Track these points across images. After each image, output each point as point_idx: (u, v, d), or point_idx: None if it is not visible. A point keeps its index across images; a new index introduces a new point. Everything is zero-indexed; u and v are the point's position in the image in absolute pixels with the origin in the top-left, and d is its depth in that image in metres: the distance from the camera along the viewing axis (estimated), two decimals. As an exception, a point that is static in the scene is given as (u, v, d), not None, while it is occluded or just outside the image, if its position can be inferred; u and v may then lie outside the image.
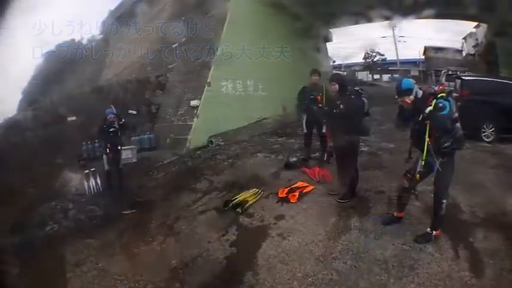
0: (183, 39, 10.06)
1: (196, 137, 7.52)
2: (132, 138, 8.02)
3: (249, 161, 6.01)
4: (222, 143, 7.43)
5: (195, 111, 7.85)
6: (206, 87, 7.98)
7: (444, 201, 2.87)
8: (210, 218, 3.93)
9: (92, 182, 5.57)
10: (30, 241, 4.04)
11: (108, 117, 5.11)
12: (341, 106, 3.69)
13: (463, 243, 2.91)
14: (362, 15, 12.15)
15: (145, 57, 12.39)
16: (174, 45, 10.43)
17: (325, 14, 12.82)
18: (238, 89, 8.91)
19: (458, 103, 6.13)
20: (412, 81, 2.85)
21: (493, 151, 5.88)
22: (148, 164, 6.75)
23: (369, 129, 3.89)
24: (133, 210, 4.51)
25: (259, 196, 4.23)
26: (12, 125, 9.29)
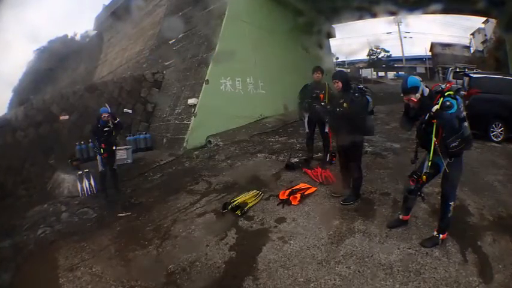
0: (180, 35, 10.08)
1: (194, 136, 7.53)
2: (127, 138, 8.04)
3: (248, 162, 6.02)
4: (221, 143, 7.43)
5: (193, 109, 7.85)
6: (204, 85, 7.98)
7: (451, 203, 2.87)
8: (209, 221, 3.93)
9: (86, 183, 5.58)
10: (21, 244, 4.04)
11: (103, 116, 5.10)
12: (344, 105, 3.70)
13: (471, 247, 2.92)
14: (366, 10, 12.16)
15: (141, 54, 12.42)
16: (170, 42, 10.44)
17: (328, 9, 12.84)
18: (238, 87, 8.91)
19: (466, 101, 6.23)
20: (418, 78, 2.85)
21: (502, 151, 5.89)
22: (144, 164, 6.76)
23: (374, 128, 3.89)
24: (128, 213, 4.51)
25: (259, 198, 4.23)
26: (3, 124, 9.29)
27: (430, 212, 3.48)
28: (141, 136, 8.28)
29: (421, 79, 2.86)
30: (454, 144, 2.70)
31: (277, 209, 3.94)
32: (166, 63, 10.08)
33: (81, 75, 18.75)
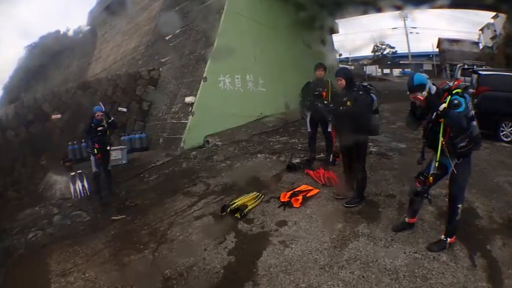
0: (177, 31, 10.08)
1: (192, 136, 7.54)
2: (122, 137, 8.05)
3: (248, 163, 6.02)
4: (220, 143, 7.43)
5: (190, 108, 7.86)
6: (202, 82, 7.99)
7: (459, 205, 2.87)
8: (207, 224, 3.93)
9: (79, 185, 5.58)
10: (11, 249, 4.04)
11: (96, 115, 5.11)
12: (348, 103, 3.69)
13: (480, 251, 2.91)
14: (371, 5, 12.16)
15: (136, 50, 12.42)
16: (167, 38, 10.45)
17: (331, 3, 12.84)
18: (237, 85, 8.91)
19: (475, 100, 6.24)
20: (424, 76, 2.85)
21: (512, 151, 5.88)
22: (140, 165, 6.76)
23: (378, 128, 3.89)
24: (123, 216, 4.51)
25: (259, 200, 4.23)
26: (-8, 123, 9.29)
27: (437, 214, 3.48)
28: (137, 136, 8.29)
29: (427, 76, 2.86)
30: (462, 144, 2.70)
31: (278, 211, 3.94)
32: (163, 60, 10.09)
33: (73, 73, 18.77)
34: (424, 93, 2.78)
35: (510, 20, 14.31)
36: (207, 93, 7.99)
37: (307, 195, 4.17)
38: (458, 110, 2.62)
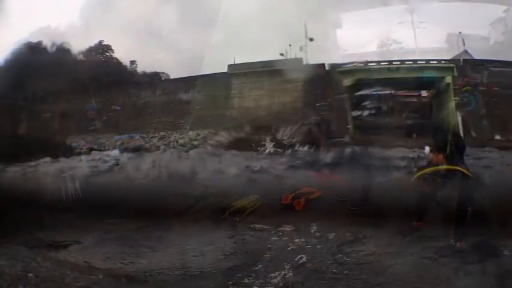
0: (174, 26, 10.05)
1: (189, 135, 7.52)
2: (116, 137, 8.02)
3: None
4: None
5: (188, 107, 7.84)
6: (200, 79, 7.97)
7: (469, 208, 2.86)
8: (204, 227, 3.93)
9: (70, 186, 5.57)
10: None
11: (89, 113, 5.10)
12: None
13: (491, 256, 2.90)
14: (376, -2, 12.11)
15: (130, 46, 12.39)
16: (162, 33, 10.42)
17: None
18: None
19: (485, 97, 6.22)
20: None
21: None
22: (135, 166, 6.74)
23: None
24: (116, 219, 4.50)
25: (259, 203, 4.22)
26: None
27: (446, 218, 3.47)
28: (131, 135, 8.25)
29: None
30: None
31: (280, 214, 3.93)
32: (158, 56, 10.05)
33: (65, 70, 18.70)
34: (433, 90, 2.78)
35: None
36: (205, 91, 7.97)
37: (310, 197, 4.16)
38: (467, 108, 2.62)
